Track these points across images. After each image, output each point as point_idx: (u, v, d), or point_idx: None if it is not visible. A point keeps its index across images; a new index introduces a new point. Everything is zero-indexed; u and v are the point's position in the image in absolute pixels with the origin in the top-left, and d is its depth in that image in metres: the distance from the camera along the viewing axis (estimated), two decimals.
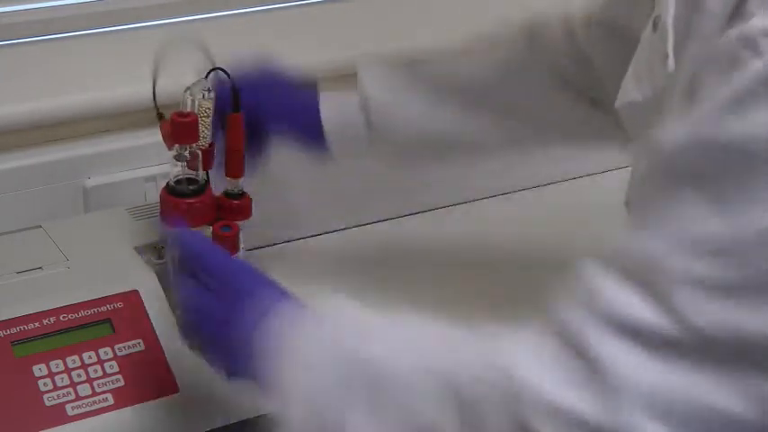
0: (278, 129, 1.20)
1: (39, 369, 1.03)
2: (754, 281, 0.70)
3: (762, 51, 0.69)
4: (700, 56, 0.74)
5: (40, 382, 1.02)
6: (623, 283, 0.74)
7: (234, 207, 1.14)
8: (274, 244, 1.39)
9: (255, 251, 1.28)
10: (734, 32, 0.71)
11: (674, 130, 0.73)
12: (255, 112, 1.16)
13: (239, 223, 1.12)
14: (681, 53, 0.78)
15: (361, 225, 1.45)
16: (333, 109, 1.19)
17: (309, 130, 1.19)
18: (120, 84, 1.24)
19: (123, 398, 1.03)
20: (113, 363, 1.05)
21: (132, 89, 1.18)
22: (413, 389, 0.81)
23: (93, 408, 1.02)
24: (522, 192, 1.52)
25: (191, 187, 1.10)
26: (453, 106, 1.18)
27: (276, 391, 0.88)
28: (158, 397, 1.04)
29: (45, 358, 1.03)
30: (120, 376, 1.04)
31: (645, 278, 0.73)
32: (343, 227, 1.45)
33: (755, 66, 0.69)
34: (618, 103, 0.88)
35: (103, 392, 1.03)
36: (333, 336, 0.89)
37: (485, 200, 1.52)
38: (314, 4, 1.53)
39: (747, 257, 0.70)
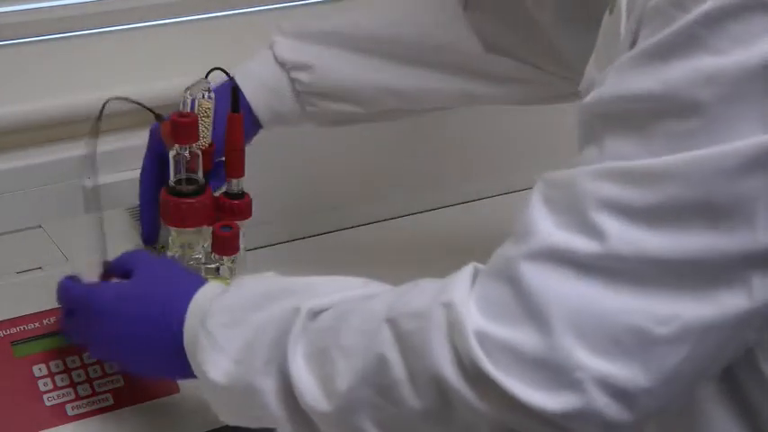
0: None
1: (39, 369, 1.03)
2: (669, 206, 0.73)
3: (687, 8, 0.72)
4: (637, 15, 0.77)
5: (40, 382, 1.02)
6: (553, 213, 0.76)
7: (234, 207, 1.14)
8: (274, 244, 1.39)
9: (256, 251, 1.28)
10: None
11: (602, 79, 0.77)
12: None
13: (239, 223, 1.12)
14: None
15: (361, 225, 1.45)
16: (251, 79, 1.18)
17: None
18: (119, 83, 1.24)
19: (123, 398, 1.03)
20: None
21: (132, 89, 1.18)
22: (353, 329, 0.83)
23: (93, 408, 1.02)
24: (522, 192, 1.51)
25: (191, 187, 1.10)
26: (377, 60, 1.19)
27: (209, 352, 0.90)
28: (158, 397, 1.04)
29: (45, 358, 1.03)
30: (120, 376, 1.04)
31: (570, 205, 0.76)
32: (343, 227, 1.45)
33: (681, 20, 0.72)
34: (581, 86, 0.90)
35: (103, 392, 1.03)
36: (260, 289, 0.91)
37: (485, 200, 1.52)
38: (314, 4, 1.53)
39: (663, 186, 0.73)
